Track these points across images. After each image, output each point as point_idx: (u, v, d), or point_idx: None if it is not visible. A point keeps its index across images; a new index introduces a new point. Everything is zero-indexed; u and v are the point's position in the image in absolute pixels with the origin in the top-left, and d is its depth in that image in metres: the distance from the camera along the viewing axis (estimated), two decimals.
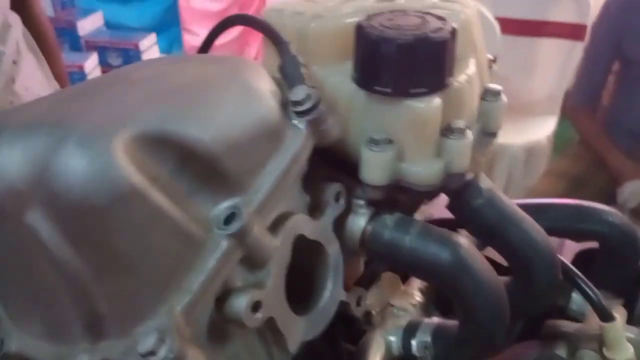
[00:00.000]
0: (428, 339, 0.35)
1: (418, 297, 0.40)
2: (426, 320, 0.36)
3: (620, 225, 0.46)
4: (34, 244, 0.23)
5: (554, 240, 0.54)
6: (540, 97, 2.26)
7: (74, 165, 0.22)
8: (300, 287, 0.31)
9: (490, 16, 1.81)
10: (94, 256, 0.23)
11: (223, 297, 0.27)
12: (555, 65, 2.10)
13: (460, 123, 0.31)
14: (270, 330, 0.29)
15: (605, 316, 0.36)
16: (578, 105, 1.74)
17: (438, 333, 0.35)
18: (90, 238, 0.23)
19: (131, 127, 0.23)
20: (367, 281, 0.36)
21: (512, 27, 2.10)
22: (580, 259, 0.51)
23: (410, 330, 0.36)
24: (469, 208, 0.34)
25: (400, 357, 0.37)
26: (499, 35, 1.86)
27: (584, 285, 0.37)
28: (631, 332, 0.40)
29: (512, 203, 0.35)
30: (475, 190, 0.34)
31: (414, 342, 0.35)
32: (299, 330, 0.30)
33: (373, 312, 0.36)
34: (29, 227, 0.23)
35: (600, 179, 1.69)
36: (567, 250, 0.54)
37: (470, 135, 0.32)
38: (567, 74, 1.93)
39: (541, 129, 2.20)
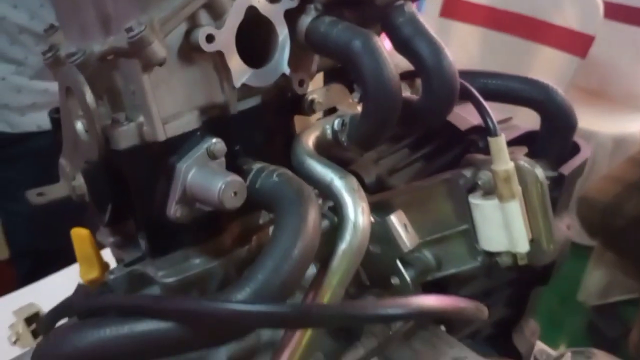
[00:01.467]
0: (347, 119, 0.47)
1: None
2: (352, 110, 0.48)
3: (558, 97, 0.54)
4: None
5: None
6: None
7: None
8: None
9: None
10: None
11: (190, 30, 0.41)
12: None
13: None
14: (223, 67, 0.42)
15: (492, 131, 0.46)
16: None
17: (354, 115, 0.46)
18: None
19: None
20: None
21: (621, 13, 2.05)
22: (527, 138, 0.59)
23: (338, 115, 0.48)
24: (392, 24, 0.45)
25: (332, 142, 0.49)
26: (601, 16, 1.83)
27: (477, 100, 0.47)
28: (527, 162, 0.48)
29: (433, 32, 0.45)
30: (400, 10, 0.45)
31: (336, 121, 0.47)
32: (244, 73, 0.43)
33: (316, 101, 0.48)
34: None
35: None
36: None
37: None
38: None
39: (636, 122, 2.14)
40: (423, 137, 0.62)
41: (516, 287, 0.61)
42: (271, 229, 0.49)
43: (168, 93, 0.41)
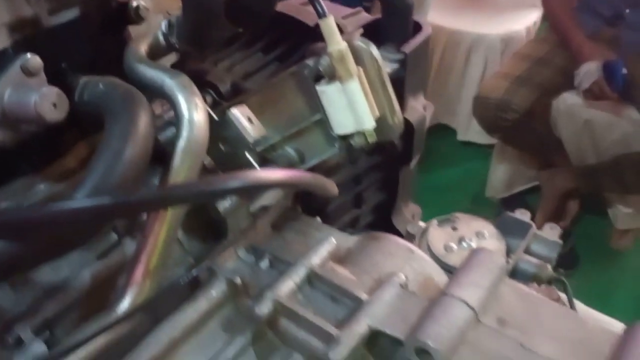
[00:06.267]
0: (173, 19, 0.46)
1: None
2: None
3: None
4: None
5: None
6: None
7: None
8: None
9: None
10: None
11: None
12: None
13: None
14: None
15: (320, 13, 0.46)
16: None
17: (180, 15, 0.45)
18: None
19: None
20: None
21: None
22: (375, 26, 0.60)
23: (166, 17, 0.46)
24: None
25: (165, 46, 0.47)
26: None
27: None
28: (362, 41, 0.48)
29: None
30: None
31: (163, 23, 0.46)
32: None
33: (142, 7, 0.47)
34: None
35: (562, 60, 1.74)
36: None
37: None
38: None
39: (521, 20, 2.21)
40: (275, 39, 0.61)
41: (384, 170, 0.63)
42: None
43: None
